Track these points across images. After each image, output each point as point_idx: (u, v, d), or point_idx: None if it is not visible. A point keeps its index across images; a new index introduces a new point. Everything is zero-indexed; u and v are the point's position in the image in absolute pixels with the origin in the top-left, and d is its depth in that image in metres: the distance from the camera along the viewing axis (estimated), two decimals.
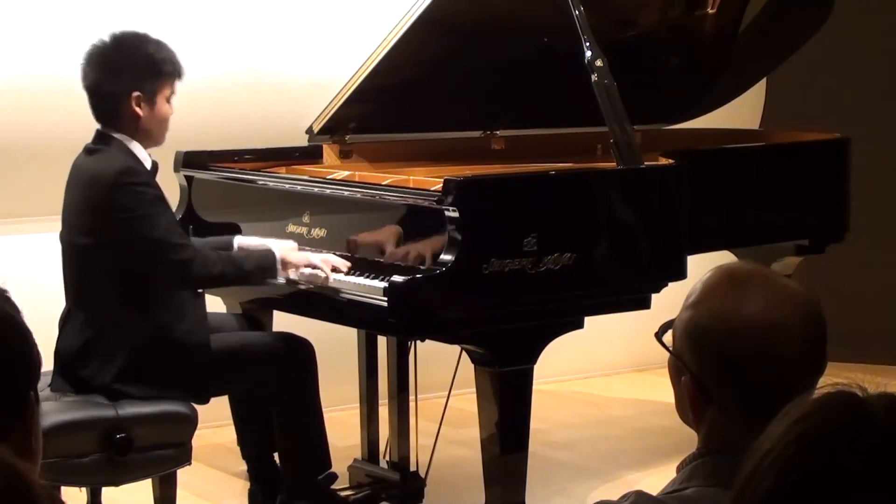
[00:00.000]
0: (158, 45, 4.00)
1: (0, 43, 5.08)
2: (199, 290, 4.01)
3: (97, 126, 3.99)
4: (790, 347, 1.73)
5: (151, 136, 3.99)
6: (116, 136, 3.94)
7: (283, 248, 4.11)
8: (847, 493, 1.11)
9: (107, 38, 3.98)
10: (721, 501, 1.57)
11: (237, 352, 4.07)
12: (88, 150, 3.98)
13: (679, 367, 1.79)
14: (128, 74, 3.93)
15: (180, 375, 3.91)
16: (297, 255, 4.07)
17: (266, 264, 4.01)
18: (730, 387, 1.75)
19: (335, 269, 4.00)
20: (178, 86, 4.03)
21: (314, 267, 4.02)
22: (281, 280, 4.05)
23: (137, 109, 3.92)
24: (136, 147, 3.95)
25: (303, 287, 4.09)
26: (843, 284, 6.50)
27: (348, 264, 4.01)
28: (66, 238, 4.00)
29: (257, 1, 5.57)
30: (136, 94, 3.92)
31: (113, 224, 3.84)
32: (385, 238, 4.04)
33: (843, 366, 5.58)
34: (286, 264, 4.04)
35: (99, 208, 3.86)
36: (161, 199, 3.91)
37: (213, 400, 4.15)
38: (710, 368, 1.75)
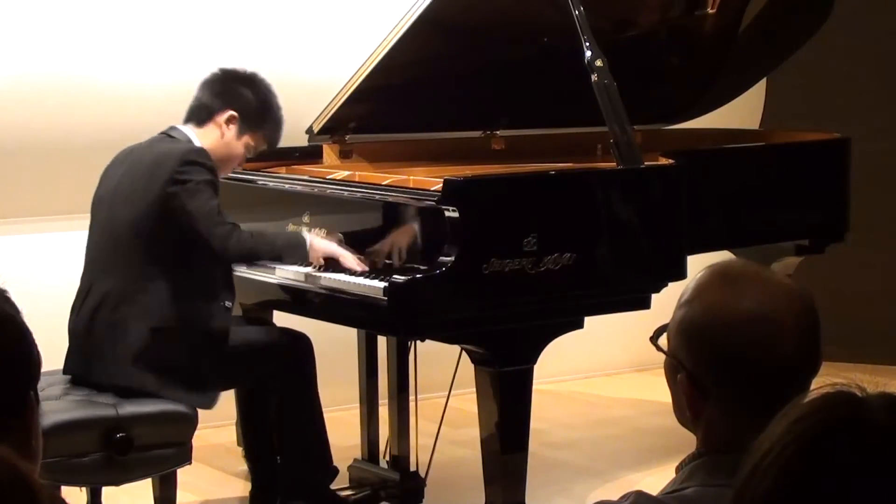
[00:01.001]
0: (280, 109, 4.17)
1: (3, 43, 5.08)
2: (230, 305, 4.02)
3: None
4: (785, 339, 1.73)
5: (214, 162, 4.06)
6: (189, 132, 4.05)
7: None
8: (847, 493, 1.12)
9: (250, 70, 4.18)
10: (721, 501, 1.57)
11: (235, 347, 4.08)
12: (155, 140, 4.07)
13: (675, 367, 1.79)
14: (242, 99, 4.09)
15: (186, 377, 3.91)
16: (322, 242, 4.08)
17: (296, 242, 4.04)
18: (726, 381, 1.75)
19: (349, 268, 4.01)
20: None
21: (334, 255, 4.02)
22: (307, 267, 4.06)
23: (225, 126, 4.06)
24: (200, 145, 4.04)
25: (303, 287, 4.09)
26: (843, 284, 6.50)
27: (365, 268, 4.00)
28: (110, 211, 4.00)
29: (257, 1, 5.57)
30: (232, 113, 4.05)
31: (167, 197, 3.88)
32: (385, 238, 4.04)
33: (843, 366, 5.61)
34: (313, 248, 4.04)
35: (159, 180, 3.90)
36: (217, 187, 3.95)
37: None
38: (706, 363, 1.75)
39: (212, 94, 4.10)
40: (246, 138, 4.10)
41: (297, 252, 4.04)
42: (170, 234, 3.90)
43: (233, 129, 4.07)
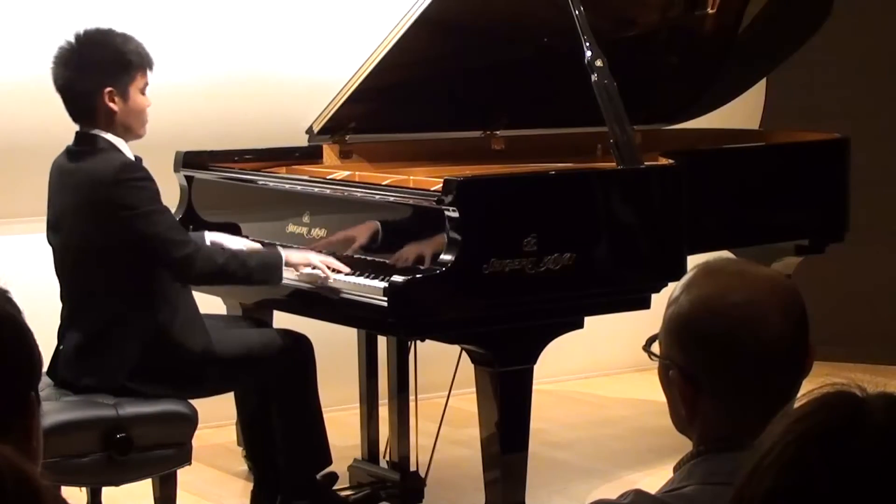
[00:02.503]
0: (125, 37, 3.98)
1: (2, 44, 5.08)
2: (187, 287, 4.00)
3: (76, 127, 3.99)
4: (770, 323, 1.76)
5: (131, 130, 3.96)
6: (99, 134, 3.92)
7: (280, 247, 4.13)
8: (847, 493, 1.12)
9: (72, 38, 3.96)
10: (719, 500, 1.58)
11: (236, 348, 4.08)
12: (73, 153, 3.95)
13: (667, 367, 1.81)
14: (97, 70, 3.91)
15: (182, 371, 3.91)
16: (298, 255, 4.07)
17: (271, 262, 4.01)
18: (716, 369, 1.77)
19: (335, 272, 4.01)
20: (153, 77, 3.99)
21: (312, 265, 4.03)
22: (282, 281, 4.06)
23: (112, 105, 3.90)
24: (120, 143, 3.94)
25: (302, 287, 4.09)
26: (843, 284, 6.51)
27: (348, 269, 4.01)
28: (60, 241, 3.97)
29: (257, 1, 5.57)
30: (108, 89, 3.90)
31: (115, 223, 3.82)
32: (385, 238, 4.04)
33: (843, 366, 5.61)
34: (289, 264, 4.04)
35: (100, 208, 3.84)
36: (159, 194, 3.91)
37: (213, 400, 4.16)
38: (695, 353, 1.78)
39: (75, 94, 3.92)
40: (133, 89, 3.93)
41: (270, 273, 4.00)
42: (133, 253, 3.85)
43: (118, 98, 3.91)
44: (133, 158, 3.94)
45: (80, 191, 3.89)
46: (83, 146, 3.93)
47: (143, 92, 3.97)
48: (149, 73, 3.99)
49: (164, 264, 3.86)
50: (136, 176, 3.85)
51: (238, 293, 4.50)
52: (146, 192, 3.84)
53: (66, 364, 3.93)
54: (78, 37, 3.96)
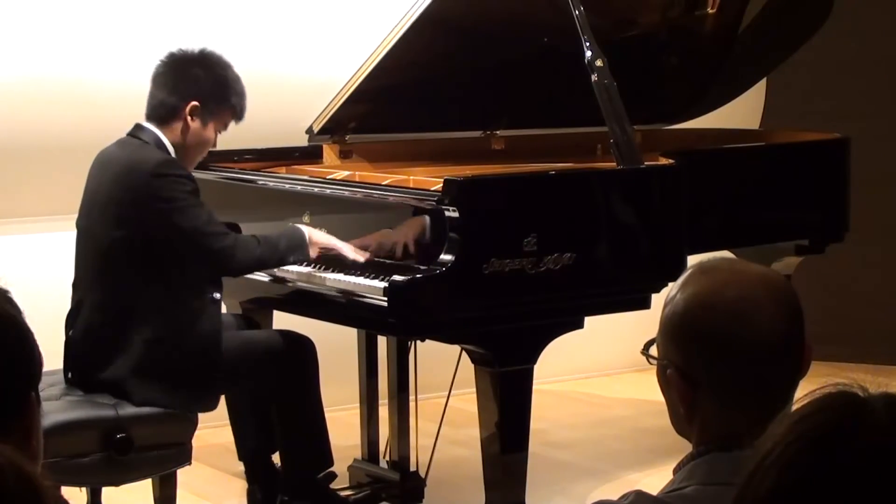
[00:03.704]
0: (238, 80, 4.06)
1: (3, 43, 5.08)
2: (218, 297, 3.99)
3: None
4: (763, 316, 1.78)
5: (187, 155, 4.01)
6: (156, 133, 3.96)
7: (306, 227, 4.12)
8: (848, 493, 1.12)
9: (195, 49, 4.04)
10: (720, 500, 1.59)
11: (238, 350, 4.07)
12: (123, 143, 3.98)
13: (665, 367, 1.82)
14: (198, 83, 3.98)
15: (189, 380, 3.90)
16: (321, 235, 4.07)
17: (296, 242, 4.01)
18: (712, 364, 1.78)
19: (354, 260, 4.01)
20: (218, 123, 4.03)
21: (332, 248, 4.02)
22: (308, 267, 4.06)
23: (189, 119, 3.96)
24: (170, 148, 3.97)
25: (303, 286, 4.09)
26: (843, 284, 6.51)
27: (367, 255, 4.01)
28: (88, 226, 3.97)
29: (257, 1, 5.57)
30: (195, 103, 3.96)
31: (151, 215, 3.83)
32: (385, 238, 4.04)
33: (844, 366, 5.61)
34: (312, 242, 4.04)
35: (137, 198, 3.85)
36: (198, 192, 3.92)
37: None
38: (692, 350, 1.80)
39: (167, 89, 3.98)
40: (213, 122, 4.00)
41: (300, 252, 4.02)
42: (158, 245, 3.85)
43: (198, 118, 3.97)
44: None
45: (118, 180, 3.90)
46: (136, 137, 3.97)
47: (217, 131, 4.03)
48: (232, 122, 4.06)
49: (204, 257, 3.87)
50: (175, 172, 3.87)
51: (238, 293, 4.50)
52: (184, 187, 3.86)
53: (74, 351, 3.93)
54: (202, 51, 4.04)
